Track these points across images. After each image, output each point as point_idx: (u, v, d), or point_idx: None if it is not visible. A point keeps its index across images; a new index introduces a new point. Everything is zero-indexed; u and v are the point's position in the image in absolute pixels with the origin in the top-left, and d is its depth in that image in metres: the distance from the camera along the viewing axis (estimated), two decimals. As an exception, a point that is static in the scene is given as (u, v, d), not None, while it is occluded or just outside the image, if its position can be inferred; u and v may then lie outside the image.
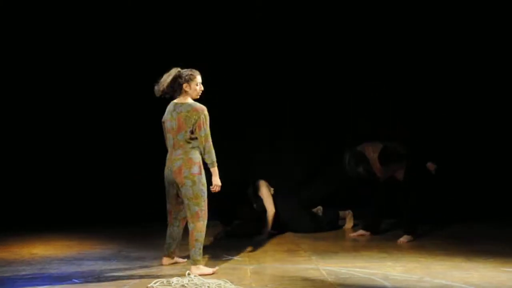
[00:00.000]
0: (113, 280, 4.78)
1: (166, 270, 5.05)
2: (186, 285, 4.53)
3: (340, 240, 6.39)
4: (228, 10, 7.57)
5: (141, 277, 4.85)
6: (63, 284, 4.70)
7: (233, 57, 7.60)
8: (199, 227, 4.82)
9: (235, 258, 5.52)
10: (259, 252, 5.78)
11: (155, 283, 4.57)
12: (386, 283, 4.58)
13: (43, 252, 5.87)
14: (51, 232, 6.88)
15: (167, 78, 4.94)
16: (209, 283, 4.54)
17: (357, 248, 5.97)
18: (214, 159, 4.88)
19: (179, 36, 7.56)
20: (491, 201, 7.54)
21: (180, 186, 4.89)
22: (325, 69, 7.66)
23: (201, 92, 5.00)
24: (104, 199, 7.56)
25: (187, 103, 4.93)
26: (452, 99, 7.62)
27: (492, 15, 7.47)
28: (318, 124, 7.69)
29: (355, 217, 7.03)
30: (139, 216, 7.42)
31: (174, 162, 4.91)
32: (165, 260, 5.20)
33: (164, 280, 4.63)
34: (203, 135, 4.85)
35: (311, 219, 6.83)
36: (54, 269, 5.16)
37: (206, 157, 4.87)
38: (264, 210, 6.53)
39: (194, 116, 4.86)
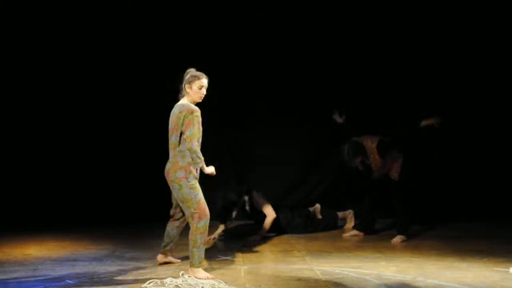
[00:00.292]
0: (106, 280, 4.77)
1: (160, 270, 5.04)
2: (180, 285, 4.53)
3: (334, 240, 6.40)
4: (228, 10, 7.56)
5: (135, 277, 4.84)
6: (56, 285, 4.69)
7: (233, 57, 7.60)
8: (194, 228, 4.78)
9: (229, 258, 5.52)
10: (253, 252, 5.78)
11: (148, 283, 4.57)
12: (379, 283, 4.58)
13: (36, 253, 5.85)
14: (45, 233, 6.86)
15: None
16: (203, 283, 4.54)
17: (351, 248, 5.98)
18: (199, 158, 4.75)
19: (179, 36, 7.57)
20: (485, 201, 7.56)
21: (171, 188, 4.91)
22: (325, 69, 7.67)
23: (203, 96, 4.89)
24: (104, 199, 7.55)
25: (182, 103, 4.90)
26: (452, 99, 7.65)
27: (492, 15, 7.49)
28: (317, 124, 7.70)
29: (355, 216, 7.03)
30: (139, 216, 7.41)
31: (167, 164, 4.91)
32: (159, 257, 5.23)
33: (158, 280, 4.62)
34: (188, 134, 4.76)
35: (306, 220, 6.81)
36: (48, 270, 5.15)
37: (191, 158, 4.77)
38: (260, 212, 6.53)
39: (184, 116, 4.80)
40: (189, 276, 4.69)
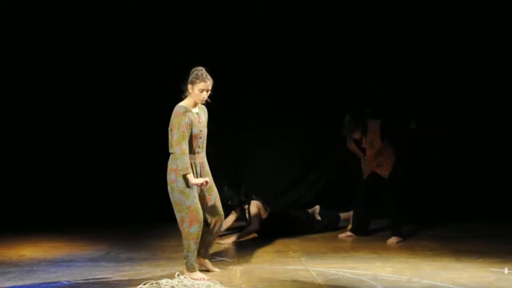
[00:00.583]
0: (102, 282, 4.76)
1: (156, 271, 5.03)
2: (175, 286, 4.52)
3: (329, 241, 6.39)
4: (228, 10, 7.56)
5: (130, 278, 4.83)
6: (51, 286, 4.67)
7: (233, 57, 7.59)
8: (186, 234, 4.73)
9: (225, 259, 5.52)
10: (248, 253, 5.77)
11: (144, 284, 4.56)
12: (375, 284, 4.59)
13: (31, 254, 5.83)
14: (40, 234, 6.83)
15: None
16: (198, 284, 4.53)
17: (346, 249, 5.98)
18: (182, 166, 4.62)
19: (179, 36, 7.55)
20: (480, 201, 7.57)
21: None
22: (325, 70, 7.67)
23: (203, 99, 4.75)
24: (103, 199, 7.53)
25: (177, 105, 4.81)
26: (452, 99, 7.66)
27: (492, 15, 7.50)
28: (317, 124, 7.71)
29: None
30: (138, 216, 7.40)
31: None
32: (199, 261, 4.98)
33: (154, 281, 4.61)
34: (173, 139, 4.68)
35: (305, 221, 6.78)
36: (43, 271, 5.13)
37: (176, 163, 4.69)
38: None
39: (171, 119, 4.74)
40: (184, 277, 4.68)
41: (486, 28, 7.53)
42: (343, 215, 6.95)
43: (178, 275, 4.75)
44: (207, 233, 4.90)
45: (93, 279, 4.85)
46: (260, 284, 4.61)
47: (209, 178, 4.83)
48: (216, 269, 5.00)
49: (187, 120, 4.69)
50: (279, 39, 7.66)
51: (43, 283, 4.74)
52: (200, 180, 4.68)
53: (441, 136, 7.62)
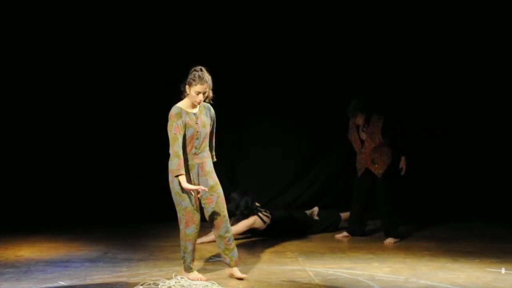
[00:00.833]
0: (99, 282, 4.75)
1: (153, 272, 5.03)
2: (172, 286, 4.52)
3: (326, 241, 6.40)
4: (228, 10, 7.56)
5: (127, 279, 4.82)
6: (48, 287, 4.67)
7: (233, 57, 7.59)
8: (183, 234, 4.73)
9: (222, 259, 5.50)
10: (246, 253, 5.77)
11: (141, 285, 4.56)
12: (372, 284, 4.59)
13: (28, 254, 5.82)
14: (38, 234, 6.82)
15: None
16: (196, 284, 4.53)
17: (343, 249, 5.99)
18: (172, 168, 4.58)
19: (179, 36, 7.54)
20: (476, 201, 7.59)
21: None
22: (325, 70, 7.67)
23: (199, 102, 4.69)
24: (103, 199, 7.52)
25: (174, 106, 4.80)
26: (451, 99, 7.67)
27: (492, 15, 7.50)
28: (316, 124, 7.72)
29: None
30: (138, 216, 7.40)
31: None
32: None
33: (151, 281, 4.61)
34: (169, 140, 4.68)
35: (304, 223, 6.77)
36: (40, 271, 5.12)
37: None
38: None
39: (168, 121, 4.74)
40: (182, 278, 4.68)
41: (486, 28, 7.54)
42: (343, 215, 6.93)
43: (175, 276, 4.75)
44: (218, 238, 4.78)
45: (91, 279, 4.84)
46: (258, 285, 4.61)
47: (211, 179, 4.75)
48: (245, 276, 4.79)
49: (179, 122, 4.66)
50: (279, 38, 7.66)
51: (41, 283, 4.73)
52: (191, 187, 4.59)
53: (441, 136, 7.63)
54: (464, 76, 7.65)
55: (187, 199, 4.67)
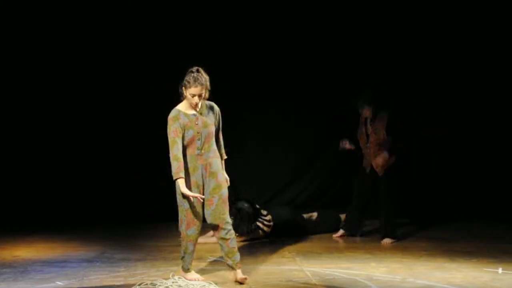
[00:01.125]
0: (96, 282, 4.75)
1: (150, 272, 5.03)
2: (170, 286, 4.52)
3: (324, 241, 6.40)
4: (228, 10, 7.55)
5: (125, 279, 4.82)
6: (45, 287, 4.66)
7: (231, 58, 7.58)
8: (183, 235, 4.72)
9: (220, 259, 5.51)
10: (243, 253, 5.75)
11: (139, 285, 4.55)
12: (370, 284, 4.60)
13: (25, 254, 5.81)
14: (35, 234, 6.81)
15: None
16: (193, 284, 4.53)
17: (341, 249, 6.00)
18: (173, 170, 4.54)
19: (179, 36, 7.53)
20: (476, 201, 7.59)
21: None
22: (323, 70, 7.66)
23: (195, 104, 4.62)
24: (103, 199, 7.51)
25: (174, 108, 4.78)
26: (451, 99, 7.67)
27: (492, 15, 7.50)
28: (316, 125, 7.72)
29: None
30: (138, 216, 7.39)
31: None
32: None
33: (148, 282, 4.61)
34: (169, 143, 4.65)
35: (302, 226, 6.75)
36: (37, 272, 5.12)
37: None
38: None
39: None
40: (179, 278, 4.68)
41: (486, 28, 7.54)
42: (343, 216, 6.92)
43: (172, 276, 4.74)
44: (220, 241, 4.70)
45: (88, 279, 4.84)
46: (255, 285, 4.62)
47: (214, 180, 4.65)
48: (246, 278, 4.68)
49: (176, 125, 4.61)
50: (279, 38, 7.63)
51: (38, 284, 4.73)
52: (189, 193, 4.54)
53: (441, 136, 7.64)
54: (464, 76, 7.65)
55: (190, 201, 4.62)
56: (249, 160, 7.77)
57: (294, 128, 7.82)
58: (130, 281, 4.72)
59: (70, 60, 7.61)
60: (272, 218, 6.54)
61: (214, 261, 5.44)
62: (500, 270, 4.94)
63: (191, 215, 4.65)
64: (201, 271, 4.97)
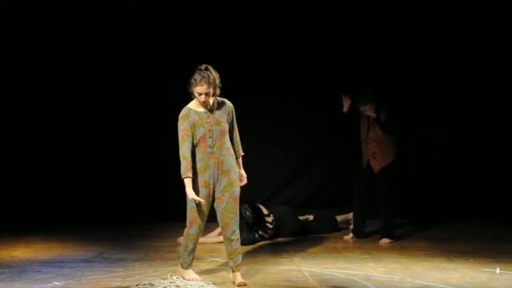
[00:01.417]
0: (94, 282, 4.75)
1: (148, 272, 5.02)
2: (168, 287, 4.51)
3: (322, 242, 6.40)
4: (228, 9, 7.55)
5: (123, 279, 4.82)
6: (43, 287, 4.66)
7: (232, 57, 7.58)
8: (186, 233, 4.71)
9: (218, 259, 5.52)
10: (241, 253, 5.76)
11: (137, 285, 4.55)
12: (368, 284, 4.60)
13: (23, 255, 5.81)
14: (32, 234, 6.80)
15: None
16: (191, 285, 4.53)
17: (339, 249, 5.99)
18: (182, 170, 4.51)
19: (179, 36, 7.53)
20: (476, 201, 7.59)
21: None
22: (322, 70, 7.66)
23: (204, 102, 4.56)
24: (101, 199, 7.50)
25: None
26: (451, 99, 7.67)
27: (492, 15, 7.49)
28: (316, 125, 7.72)
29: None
30: (138, 216, 7.39)
31: None
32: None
33: (146, 282, 4.60)
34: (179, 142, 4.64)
35: (299, 225, 6.75)
36: (35, 272, 5.11)
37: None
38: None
39: None
40: (177, 278, 4.68)
41: (486, 28, 7.54)
42: (339, 218, 6.92)
43: (170, 276, 4.74)
44: (225, 241, 4.67)
45: (86, 279, 4.84)
46: (253, 285, 4.62)
47: (226, 178, 4.60)
48: (245, 282, 4.63)
49: (186, 123, 4.57)
50: (279, 38, 7.62)
51: (35, 284, 4.72)
52: (192, 195, 4.49)
53: (441, 136, 7.65)
54: (464, 76, 7.65)
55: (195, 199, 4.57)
56: (249, 160, 7.77)
57: (294, 128, 7.82)
58: (128, 281, 4.71)
59: (70, 60, 7.60)
60: (275, 220, 6.51)
61: (212, 261, 5.44)
62: (497, 270, 4.94)
63: (194, 214, 4.63)
64: (200, 271, 4.97)
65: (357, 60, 7.61)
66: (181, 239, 6.15)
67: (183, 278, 4.69)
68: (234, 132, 4.78)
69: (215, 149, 4.60)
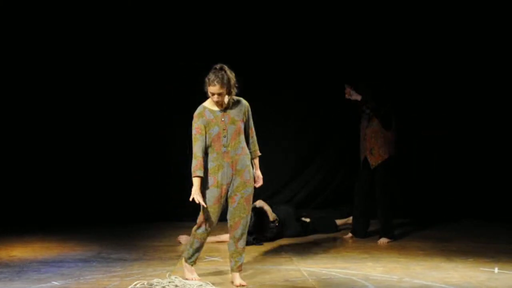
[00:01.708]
0: (93, 282, 4.74)
1: (147, 272, 5.02)
2: (166, 286, 4.51)
3: (321, 241, 6.40)
4: (228, 9, 7.55)
5: (121, 279, 4.81)
6: (42, 287, 4.65)
7: (232, 57, 7.56)
8: (193, 232, 4.69)
9: (217, 259, 5.51)
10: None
11: (135, 284, 4.55)
12: (366, 284, 4.60)
13: (22, 254, 5.80)
14: (31, 234, 6.79)
15: None
16: (190, 284, 4.52)
17: (337, 249, 6.00)
18: (192, 169, 4.48)
19: (179, 36, 7.53)
20: (471, 201, 7.60)
21: None
22: (322, 70, 7.66)
23: (217, 102, 4.54)
24: (101, 199, 7.50)
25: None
26: (451, 99, 7.68)
27: (492, 15, 7.50)
28: (316, 125, 7.71)
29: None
30: (138, 216, 7.39)
31: None
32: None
33: (145, 281, 4.60)
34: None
35: (301, 226, 6.73)
36: (33, 271, 5.11)
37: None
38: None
39: None
40: (176, 277, 4.68)
41: (486, 28, 7.54)
42: (339, 221, 6.90)
43: (169, 275, 4.74)
44: (231, 239, 4.63)
45: (84, 279, 4.83)
46: (252, 284, 4.61)
47: (239, 178, 4.55)
48: (244, 283, 4.61)
49: (200, 122, 4.53)
50: (279, 38, 7.63)
51: (34, 283, 4.72)
52: (196, 196, 4.44)
53: (441, 136, 7.65)
54: (464, 76, 7.66)
55: (206, 199, 4.53)
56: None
57: (294, 128, 7.82)
58: (127, 281, 4.71)
59: (70, 60, 7.60)
60: (279, 222, 6.48)
61: (210, 260, 5.44)
62: (496, 270, 4.94)
63: (204, 216, 4.59)
64: (199, 271, 4.96)
65: (357, 60, 7.61)
66: (181, 237, 6.17)
67: (184, 275, 4.68)
68: (250, 132, 4.76)
69: (229, 148, 4.56)
